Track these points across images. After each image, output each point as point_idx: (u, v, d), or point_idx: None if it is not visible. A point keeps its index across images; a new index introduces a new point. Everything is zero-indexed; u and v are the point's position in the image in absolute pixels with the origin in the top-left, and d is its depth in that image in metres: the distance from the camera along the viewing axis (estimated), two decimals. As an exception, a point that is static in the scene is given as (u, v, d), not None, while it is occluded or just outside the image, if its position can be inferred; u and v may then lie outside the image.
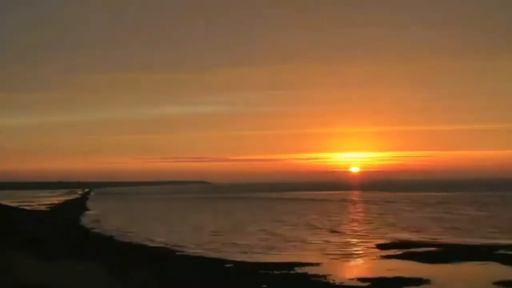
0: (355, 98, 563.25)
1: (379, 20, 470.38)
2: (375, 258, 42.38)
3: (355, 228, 68.23)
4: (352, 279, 32.61)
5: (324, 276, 33.58)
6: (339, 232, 62.61)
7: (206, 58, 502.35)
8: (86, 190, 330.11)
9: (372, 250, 47.21)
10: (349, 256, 43.99)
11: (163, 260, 39.65)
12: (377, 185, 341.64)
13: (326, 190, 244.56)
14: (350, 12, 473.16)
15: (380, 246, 48.84)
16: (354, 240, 54.76)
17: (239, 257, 42.92)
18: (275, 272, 35.04)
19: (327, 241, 54.09)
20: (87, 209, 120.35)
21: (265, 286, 29.94)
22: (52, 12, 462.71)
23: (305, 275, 34.24)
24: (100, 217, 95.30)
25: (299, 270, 36.24)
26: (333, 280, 32.29)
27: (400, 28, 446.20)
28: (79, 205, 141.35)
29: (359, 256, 44.27)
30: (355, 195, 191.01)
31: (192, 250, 48.36)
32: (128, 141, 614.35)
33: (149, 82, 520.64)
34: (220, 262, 40.31)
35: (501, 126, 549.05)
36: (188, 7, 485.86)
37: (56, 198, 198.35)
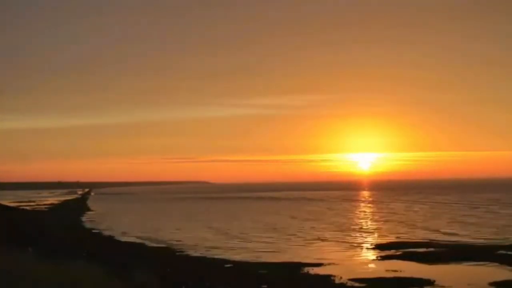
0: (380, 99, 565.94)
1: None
2: (375, 258, 42.36)
3: (355, 228, 68.21)
4: (352, 279, 32.59)
5: (325, 276, 33.58)
6: (340, 232, 62.58)
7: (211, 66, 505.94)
8: (86, 190, 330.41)
9: (372, 250, 47.21)
10: (349, 256, 43.96)
11: (163, 260, 39.66)
12: (387, 185, 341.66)
13: (337, 190, 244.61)
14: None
15: (380, 246, 48.81)
16: (355, 240, 54.74)
17: (239, 257, 42.98)
18: (275, 272, 35.04)
19: (327, 241, 54.13)
20: (87, 209, 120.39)
21: (265, 286, 29.94)
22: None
23: (305, 275, 34.25)
24: (100, 217, 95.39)
25: (299, 270, 36.24)
26: (334, 280, 32.30)
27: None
28: (79, 205, 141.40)
29: (359, 256, 44.25)
30: (362, 195, 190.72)
31: (193, 250, 48.42)
32: (130, 142, 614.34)
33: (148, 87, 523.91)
34: (220, 262, 40.32)
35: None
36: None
37: (56, 198, 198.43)
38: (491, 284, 31.25)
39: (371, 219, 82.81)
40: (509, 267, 36.59)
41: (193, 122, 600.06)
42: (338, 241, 54.01)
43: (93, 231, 68.19)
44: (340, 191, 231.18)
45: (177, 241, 55.81)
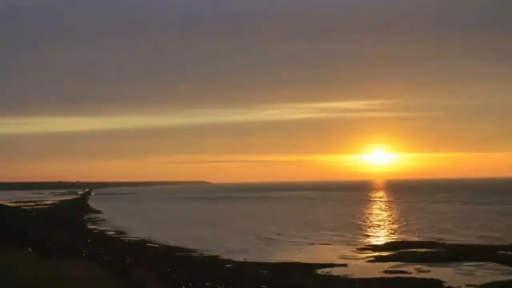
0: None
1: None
2: (375, 259, 42.28)
3: (356, 228, 68.19)
4: (353, 279, 32.61)
5: (325, 276, 33.59)
6: (341, 233, 62.57)
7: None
8: (86, 190, 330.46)
9: (373, 250, 47.11)
10: (350, 256, 43.93)
11: (163, 259, 39.66)
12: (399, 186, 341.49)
13: (351, 191, 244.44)
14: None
15: (381, 247, 48.82)
16: (355, 240, 54.73)
17: (239, 257, 42.98)
18: (275, 272, 35.03)
19: (328, 241, 54.13)
20: (88, 209, 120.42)
21: (265, 286, 29.94)
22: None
23: (305, 275, 34.23)
24: (101, 217, 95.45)
25: (299, 270, 36.23)
26: (334, 280, 32.30)
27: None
28: (80, 205, 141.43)
29: (360, 256, 44.17)
30: (371, 196, 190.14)
31: (193, 250, 48.44)
32: (130, 142, 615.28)
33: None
34: (220, 262, 40.33)
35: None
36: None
37: (56, 198, 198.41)
38: (490, 284, 31.24)
39: (375, 219, 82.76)
40: (509, 267, 36.60)
41: (194, 123, 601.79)
42: (339, 242, 54.01)
43: (94, 231, 68.18)
44: (349, 192, 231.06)
45: (177, 240, 55.81)
